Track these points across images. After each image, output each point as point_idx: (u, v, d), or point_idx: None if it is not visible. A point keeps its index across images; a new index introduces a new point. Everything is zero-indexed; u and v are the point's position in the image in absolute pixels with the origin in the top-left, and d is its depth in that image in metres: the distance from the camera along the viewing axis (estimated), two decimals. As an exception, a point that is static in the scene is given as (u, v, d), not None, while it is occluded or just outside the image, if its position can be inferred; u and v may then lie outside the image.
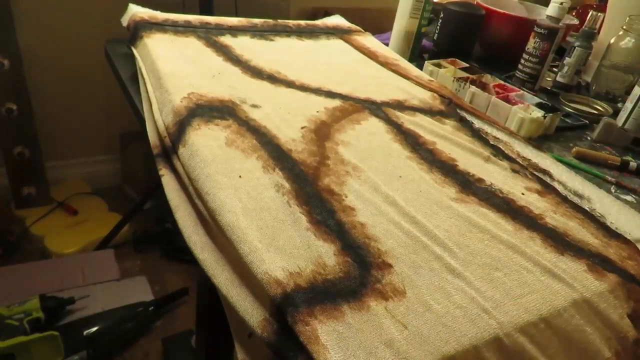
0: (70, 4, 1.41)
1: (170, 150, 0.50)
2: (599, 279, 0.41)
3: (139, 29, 0.71)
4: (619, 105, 0.88)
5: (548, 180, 0.54)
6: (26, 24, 1.36)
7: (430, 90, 0.71)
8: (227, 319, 0.38)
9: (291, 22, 0.89)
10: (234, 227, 0.38)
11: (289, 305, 0.32)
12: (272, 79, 0.66)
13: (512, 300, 0.37)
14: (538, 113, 0.70)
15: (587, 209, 0.50)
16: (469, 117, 0.66)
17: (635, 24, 0.87)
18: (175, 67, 0.62)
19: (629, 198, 0.59)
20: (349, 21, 0.97)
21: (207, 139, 0.48)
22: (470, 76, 0.81)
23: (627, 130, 0.76)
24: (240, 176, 0.44)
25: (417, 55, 0.92)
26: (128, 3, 0.80)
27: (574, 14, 1.18)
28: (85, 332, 1.10)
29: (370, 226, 0.42)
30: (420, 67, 0.83)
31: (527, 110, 0.72)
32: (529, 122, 0.69)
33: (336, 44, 0.85)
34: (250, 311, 0.34)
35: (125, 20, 0.76)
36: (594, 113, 0.85)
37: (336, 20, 0.97)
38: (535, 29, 0.86)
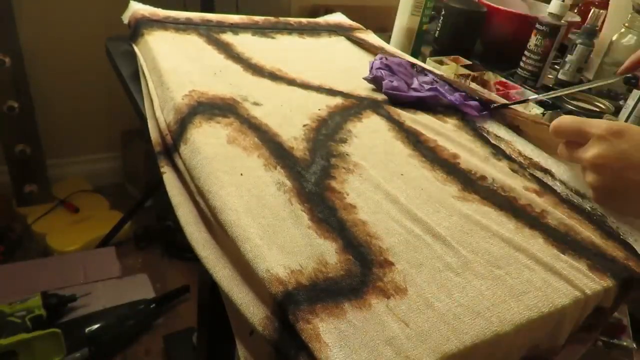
0: (72, 0, 1.41)
1: (171, 148, 0.50)
2: (599, 278, 0.41)
3: (140, 26, 0.71)
4: (621, 102, 0.88)
5: (549, 179, 0.54)
6: (27, 21, 1.36)
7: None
8: (228, 316, 0.38)
9: (292, 20, 0.89)
10: (235, 225, 0.38)
11: (291, 303, 0.32)
12: (274, 76, 0.66)
13: (513, 298, 0.37)
14: (537, 110, 0.70)
15: (589, 207, 0.50)
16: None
17: (637, 21, 0.86)
18: (177, 64, 0.62)
19: (630, 196, 0.59)
20: (350, 18, 0.97)
21: (208, 136, 0.48)
22: (472, 73, 0.80)
23: (629, 128, 0.75)
24: (241, 174, 0.44)
25: (418, 53, 0.92)
26: (129, 0, 0.79)
27: (575, 11, 1.17)
28: (86, 330, 1.11)
29: (372, 224, 0.42)
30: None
31: (526, 107, 0.71)
32: (530, 120, 0.69)
33: (338, 41, 0.85)
34: (251, 309, 0.34)
35: (126, 17, 0.76)
36: (595, 111, 0.85)
37: (338, 17, 0.97)
38: (537, 26, 0.86)
